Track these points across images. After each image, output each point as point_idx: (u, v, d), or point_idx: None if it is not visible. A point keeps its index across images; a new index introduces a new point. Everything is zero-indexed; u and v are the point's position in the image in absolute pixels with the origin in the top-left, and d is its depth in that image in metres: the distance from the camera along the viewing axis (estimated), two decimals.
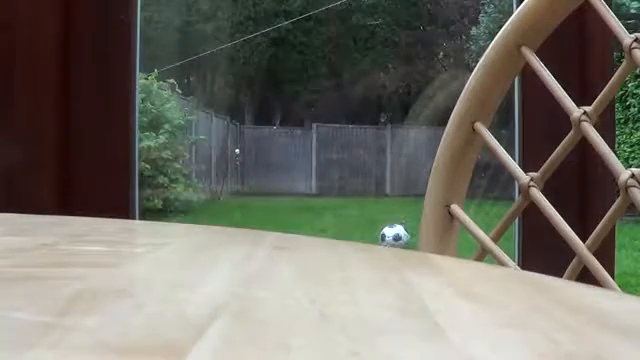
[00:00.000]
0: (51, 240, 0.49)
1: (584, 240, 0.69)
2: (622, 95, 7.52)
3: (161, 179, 7.64)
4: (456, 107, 0.78)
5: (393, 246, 6.40)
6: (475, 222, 0.77)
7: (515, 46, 0.75)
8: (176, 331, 0.25)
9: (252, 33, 10.36)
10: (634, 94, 7.60)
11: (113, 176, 1.41)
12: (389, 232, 7.03)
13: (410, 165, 10.08)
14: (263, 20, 10.49)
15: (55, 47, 1.39)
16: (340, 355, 0.23)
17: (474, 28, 10.05)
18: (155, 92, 7.83)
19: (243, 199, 9.53)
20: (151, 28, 9.38)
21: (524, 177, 0.74)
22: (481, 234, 0.76)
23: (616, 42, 0.73)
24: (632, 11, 8.28)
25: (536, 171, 0.74)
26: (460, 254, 0.81)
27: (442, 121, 0.83)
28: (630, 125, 7.73)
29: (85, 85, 1.39)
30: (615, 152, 0.71)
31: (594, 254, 0.69)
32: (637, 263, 5.96)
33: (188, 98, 9.26)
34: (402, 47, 10.78)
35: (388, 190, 10.18)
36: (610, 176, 0.68)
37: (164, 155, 7.65)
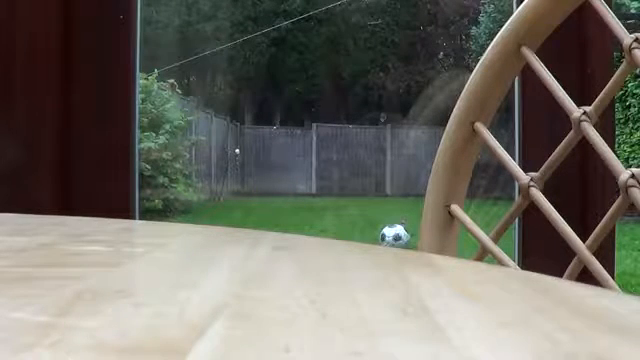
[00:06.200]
0: (51, 240, 0.49)
1: (584, 240, 0.69)
2: (622, 95, 7.52)
3: (161, 179, 7.64)
4: (456, 107, 0.78)
5: (393, 246, 6.40)
6: (475, 222, 0.77)
7: (515, 46, 0.75)
8: (176, 331, 0.25)
9: (252, 33, 10.36)
10: (634, 94, 7.60)
11: (113, 176, 1.41)
12: (389, 232, 7.03)
13: (410, 165, 10.08)
14: (263, 20, 10.50)
15: (55, 47, 1.39)
16: (340, 355, 0.23)
17: (474, 28, 10.05)
18: (155, 92, 7.84)
19: (243, 199, 9.53)
20: (151, 28, 9.38)
21: (524, 177, 0.74)
22: (481, 234, 0.76)
23: (616, 42, 0.73)
24: (632, 11, 8.28)
25: (536, 171, 0.74)
26: (460, 254, 0.81)
27: (442, 121, 0.83)
28: (630, 125, 7.73)
29: (85, 85, 1.39)
30: (615, 152, 0.71)
31: (594, 254, 0.69)
32: (637, 263, 5.97)
33: (188, 98, 9.27)
34: (402, 47, 10.79)
35: (388, 190, 10.19)
36: (610, 176, 0.68)
37: (164, 155, 7.65)
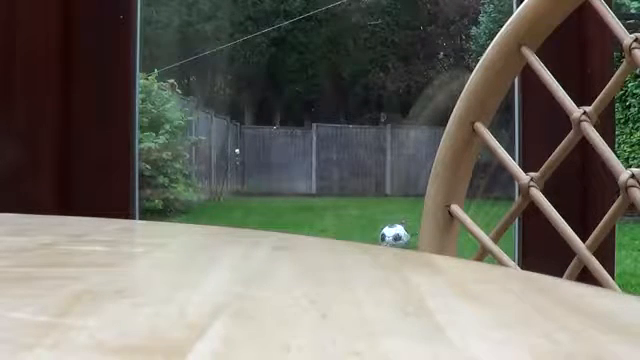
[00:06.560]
0: (51, 240, 0.49)
1: (584, 240, 0.69)
2: (622, 95, 7.53)
3: (161, 179, 7.64)
4: (456, 107, 0.78)
5: (393, 246, 6.40)
6: (475, 222, 0.77)
7: (515, 46, 0.75)
8: (176, 331, 0.25)
9: (252, 33, 10.36)
10: (634, 94, 7.61)
11: (113, 176, 1.41)
12: (389, 232, 7.03)
13: (410, 165, 10.09)
14: (263, 20, 10.50)
15: (55, 47, 1.39)
16: (340, 355, 0.23)
17: (474, 28, 10.06)
18: (155, 92, 7.84)
19: (243, 199, 9.54)
20: (151, 28, 9.39)
21: (524, 177, 0.74)
22: (481, 234, 0.76)
23: (616, 42, 0.73)
24: (632, 11, 8.29)
25: (536, 171, 0.74)
26: (460, 254, 0.81)
27: (442, 121, 0.83)
28: (630, 125, 7.73)
29: (85, 85, 1.39)
30: (615, 152, 0.71)
31: (594, 254, 0.69)
32: (637, 263, 5.97)
33: (188, 98, 9.27)
34: (402, 47, 10.79)
35: (388, 190, 10.19)
36: (610, 176, 0.68)
37: (164, 155, 7.65)
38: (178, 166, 8.03)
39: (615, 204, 0.68)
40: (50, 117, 1.39)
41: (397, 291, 0.34)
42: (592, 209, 1.35)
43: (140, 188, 1.49)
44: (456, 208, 0.78)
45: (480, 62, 0.77)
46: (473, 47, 10.07)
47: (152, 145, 7.48)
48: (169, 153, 7.75)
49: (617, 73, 0.70)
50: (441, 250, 0.78)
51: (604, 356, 0.24)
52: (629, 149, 7.73)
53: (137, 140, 1.45)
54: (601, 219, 0.69)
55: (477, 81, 0.77)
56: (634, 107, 7.66)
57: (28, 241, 0.48)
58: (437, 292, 0.34)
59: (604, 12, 0.70)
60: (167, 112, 7.92)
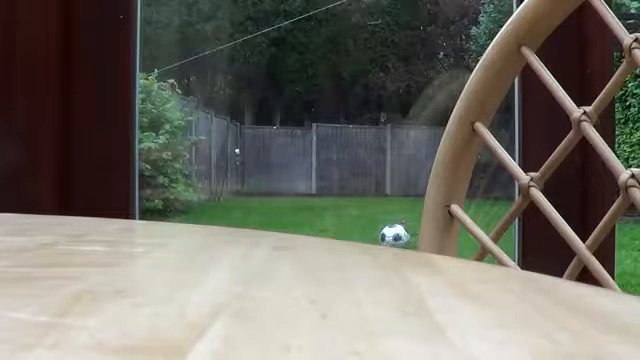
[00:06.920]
0: (51, 240, 0.49)
1: (584, 240, 0.69)
2: (622, 95, 7.53)
3: (161, 179, 7.64)
4: (456, 107, 0.78)
5: (393, 246, 6.40)
6: (475, 222, 0.77)
7: (515, 46, 0.75)
8: (176, 331, 0.25)
9: (252, 33, 10.36)
10: (634, 94, 7.61)
11: (113, 176, 1.41)
12: (389, 232, 7.03)
13: (410, 165, 10.09)
14: (263, 20, 10.50)
15: (55, 47, 1.39)
16: (340, 355, 0.23)
17: (474, 28, 10.06)
18: (155, 92, 7.84)
19: (243, 199, 9.54)
20: (151, 28, 9.39)
21: (524, 177, 0.74)
22: (481, 234, 0.76)
23: (616, 42, 0.73)
24: (632, 11, 8.29)
25: (536, 171, 0.74)
26: (460, 254, 0.81)
27: (442, 121, 0.83)
28: (630, 125, 7.73)
29: (85, 85, 1.39)
30: (615, 152, 0.71)
31: (594, 254, 0.69)
32: (637, 263, 5.97)
33: (188, 98, 9.27)
34: (402, 47, 10.79)
35: (388, 190, 10.19)
36: (610, 176, 0.68)
37: (164, 155, 7.65)
38: (178, 166, 8.03)
39: (615, 204, 0.68)
40: (50, 117, 1.39)
41: (397, 291, 0.34)
42: (592, 209, 1.35)
43: (140, 188, 1.49)
44: (456, 208, 0.78)
45: (480, 62, 0.77)
46: (473, 47, 10.07)
47: (152, 145, 7.48)
48: (169, 153, 7.75)
49: (617, 73, 0.70)
50: (441, 250, 0.78)
51: (604, 356, 0.24)
52: (629, 149, 7.73)
53: (137, 140, 1.45)
54: (601, 219, 0.69)
55: (477, 81, 0.77)
56: (634, 107, 7.66)
57: (28, 241, 0.48)
58: (437, 292, 0.34)
59: (604, 12, 0.70)
60: (167, 112, 7.92)
